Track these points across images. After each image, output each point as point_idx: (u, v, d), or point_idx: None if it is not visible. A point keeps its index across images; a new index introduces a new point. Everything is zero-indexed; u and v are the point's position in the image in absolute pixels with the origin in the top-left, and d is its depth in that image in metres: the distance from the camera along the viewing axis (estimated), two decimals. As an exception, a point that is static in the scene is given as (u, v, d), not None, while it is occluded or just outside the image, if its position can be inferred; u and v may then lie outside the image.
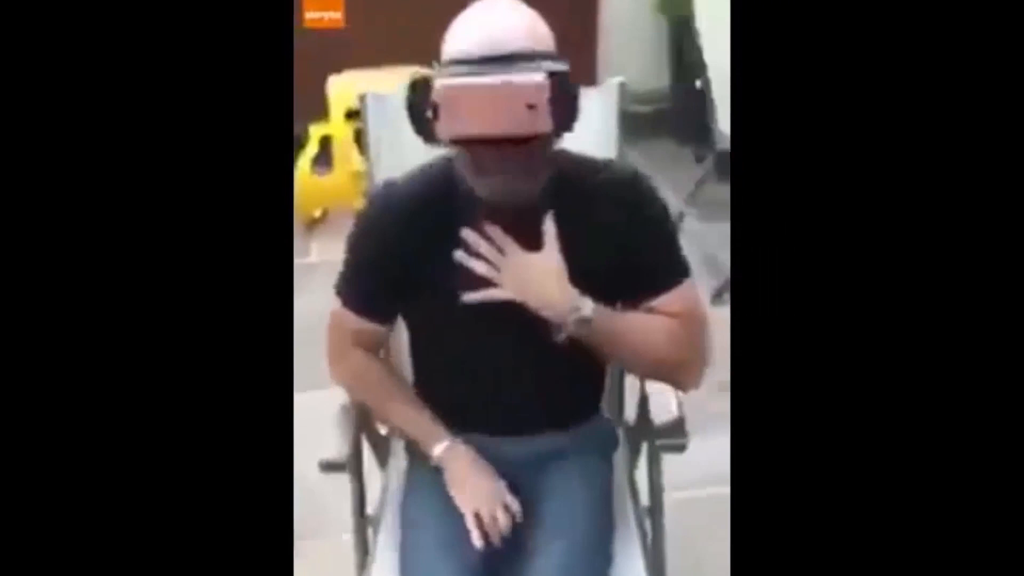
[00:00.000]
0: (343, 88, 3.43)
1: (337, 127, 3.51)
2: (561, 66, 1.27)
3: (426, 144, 1.33)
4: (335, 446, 1.55)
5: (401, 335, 1.60)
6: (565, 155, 1.41)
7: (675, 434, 1.53)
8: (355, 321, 1.49)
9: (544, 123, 1.25)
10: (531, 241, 1.34)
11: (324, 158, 3.60)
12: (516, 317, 1.35)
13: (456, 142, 1.29)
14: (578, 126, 1.33)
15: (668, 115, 4.21)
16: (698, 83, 3.21)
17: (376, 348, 1.55)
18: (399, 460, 1.69)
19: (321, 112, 3.50)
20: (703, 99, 3.20)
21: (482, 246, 1.34)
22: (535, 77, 1.24)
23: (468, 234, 1.34)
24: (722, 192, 1.44)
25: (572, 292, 1.34)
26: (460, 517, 1.43)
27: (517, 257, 1.34)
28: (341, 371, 1.55)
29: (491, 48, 1.26)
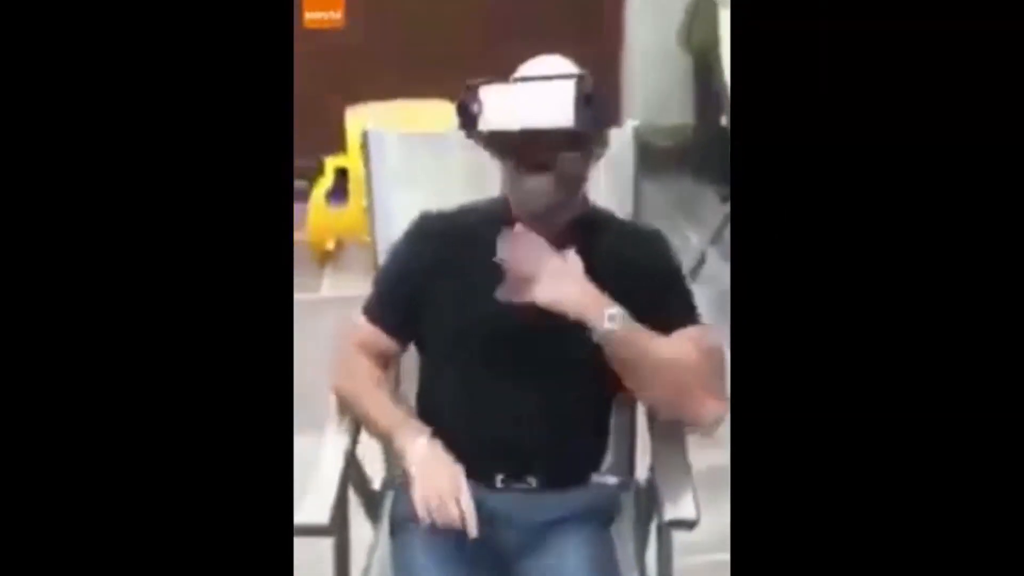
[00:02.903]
0: (360, 120, 3.35)
1: (354, 159, 3.43)
2: (588, 79, 1.39)
3: (467, 137, 1.46)
4: (318, 502, 1.42)
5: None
6: (595, 206, 1.56)
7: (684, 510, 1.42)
8: (367, 328, 1.56)
9: (568, 119, 1.36)
10: None
11: (340, 192, 3.52)
12: (524, 355, 1.45)
13: (494, 137, 1.43)
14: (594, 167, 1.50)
15: (691, 152, 4.10)
16: (723, 120, 3.09)
17: (382, 363, 1.56)
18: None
19: (340, 144, 3.43)
20: (727, 136, 3.09)
21: (519, 249, 1.40)
22: (562, 79, 1.39)
23: (506, 234, 1.41)
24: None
25: (604, 296, 1.39)
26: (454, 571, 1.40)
27: (554, 261, 1.39)
28: (339, 371, 1.58)
29: (528, 72, 1.45)
